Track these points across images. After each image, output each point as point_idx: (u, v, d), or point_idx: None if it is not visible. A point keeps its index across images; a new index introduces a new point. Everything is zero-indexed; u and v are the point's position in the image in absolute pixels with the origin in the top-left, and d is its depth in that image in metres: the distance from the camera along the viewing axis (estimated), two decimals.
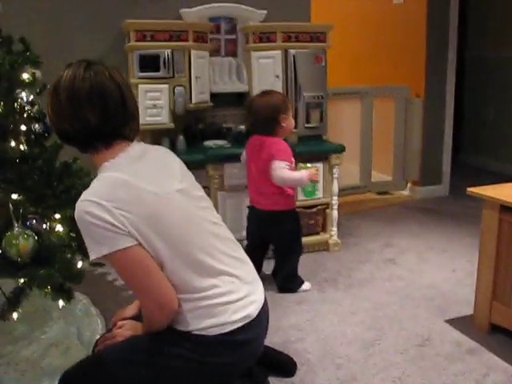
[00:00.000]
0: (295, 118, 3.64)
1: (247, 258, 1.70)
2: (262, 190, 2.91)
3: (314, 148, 3.58)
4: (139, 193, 1.45)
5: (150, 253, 1.45)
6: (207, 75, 3.52)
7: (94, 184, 1.47)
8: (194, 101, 3.41)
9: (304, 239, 3.65)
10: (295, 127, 3.65)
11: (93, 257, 1.42)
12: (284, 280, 3.08)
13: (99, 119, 1.48)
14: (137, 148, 1.56)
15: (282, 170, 2.79)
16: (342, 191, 4.60)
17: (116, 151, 1.52)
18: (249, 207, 3.03)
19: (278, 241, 3.04)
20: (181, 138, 3.48)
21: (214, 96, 3.62)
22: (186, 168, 1.69)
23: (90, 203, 1.40)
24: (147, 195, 1.46)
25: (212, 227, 1.60)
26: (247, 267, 1.68)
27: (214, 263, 1.55)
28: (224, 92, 3.68)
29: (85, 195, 1.43)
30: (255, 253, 2.99)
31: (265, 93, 2.89)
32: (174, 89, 3.34)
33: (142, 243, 1.44)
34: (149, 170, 1.52)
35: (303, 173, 2.87)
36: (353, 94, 4.74)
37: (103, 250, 1.40)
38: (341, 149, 3.61)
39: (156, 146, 1.68)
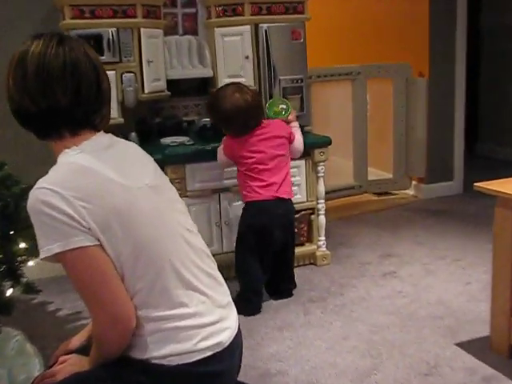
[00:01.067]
0: None
1: (222, 278, 1.74)
2: (282, 176, 3.19)
3: None
4: (104, 182, 1.48)
5: (111, 256, 1.48)
6: (162, 58, 3.57)
7: (52, 170, 1.50)
8: (146, 90, 3.46)
9: None
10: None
11: (42, 256, 1.45)
12: (293, 280, 3.40)
13: (70, 101, 1.51)
14: (104, 137, 1.61)
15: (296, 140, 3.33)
16: (332, 193, 4.69)
17: (81, 140, 1.56)
18: (264, 203, 3.13)
19: (293, 237, 3.34)
20: (133, 135, 3.53)
21: (171, 83, 3.68)
22: (159, 169, 1.75)
23: (46, 191, 1.43)
24: (114, 186, 1.49)
25: (186, 234, 1.64)
26: (222, 288, 1.70)
27: (186, 275, 1.58)
28: (184, 78, 3.74)
29: (40, 182, 1.46)
30: (282, 262, 3.34)
31: (236, 88, 3.12)
32: (121, 76, 3.39)
33: (103, 243, 1.46)
34: (117, 160, 1.57)
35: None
36: (341, 75, 4.82)
37: (55, 247, 1.42)
38: (326, 142, 3.68)
39: (126, 141, 1.73)
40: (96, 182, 1.49)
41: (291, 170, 3.48)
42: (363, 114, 4.94)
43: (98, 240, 1.46)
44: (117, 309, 1.48)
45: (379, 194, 5.25)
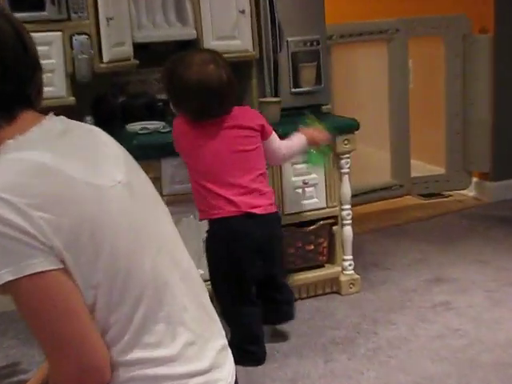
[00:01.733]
0: (275, 79, 3.75)
1: (215, 312, 1.74)
2: (253, 184, 3.09)
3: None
4: (67, 183, 1.47)
5: (79, 282, 1.47)
6: (127, 15, 3.57)
7: None
8: (105, 58, 3.46)
9: (299, 277, 3.79)
10: (275, 94, 3.77)
11: None
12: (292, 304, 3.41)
13: None
14: (54, 121, 1.61)
15: (282, 141, 3.27)
16: (362, 195, 4.70)
17: (24, 125, 1.56)
18: (230, 223, 3.08)
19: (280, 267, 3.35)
20: (88, 119, 3.55)
21: (140, 49, 3.70)
22: (132, 159, 1.75)
23: None
24: (80, 187, 1.48)
25: (173, 250, 1.67)
26: (215, 326, 1.71)
27: (171, 305, 1.60)
28: (156, 41, 3.75)
29: None
30: (267, 294, 3.31)
31: (211, 57, 3.06)
32: (70, 39, 3.41)
33: (69, 265, 1.44)
34: (78, 151, 1.56)
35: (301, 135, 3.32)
36: (373, 33, 4.83)
37: (5, 274, 1.40)
38: (351, 126, 3.71)
39: (83, 123, 1.73)
40: (56, 183, 1.47)
41: (304, 167, 3.58)
42: (403, 86, 4.94)
43: (62, 261, 1.45)
44: (87, 356, 1.48)
45: (427, 197, 5.26)
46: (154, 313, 1.56)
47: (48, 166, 1.48)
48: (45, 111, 3.35)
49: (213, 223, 3.14)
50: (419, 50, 5.02)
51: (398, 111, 4.98)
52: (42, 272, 1.41)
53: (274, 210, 3.17)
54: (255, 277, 3.17)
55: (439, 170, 5.26)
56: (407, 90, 4.98)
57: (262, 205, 3.09)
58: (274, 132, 3.23)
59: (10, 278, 1.40)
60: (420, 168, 5.22)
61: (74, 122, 1.68)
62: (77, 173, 1.50)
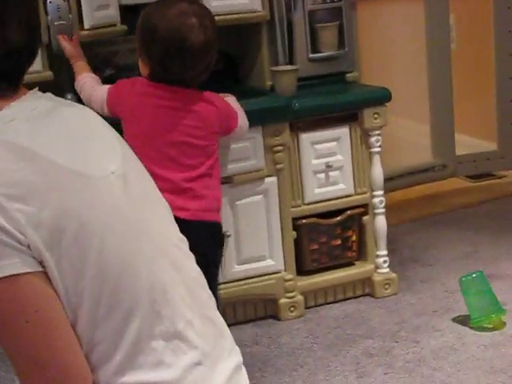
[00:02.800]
0: (289, 43, 3.73)
1: (225, 325, 1.73)
2: (187, 183, 3.05)
3: (329, 99, 3.66)
4: (53, 171, 1.46)
5: (59, 289, 1.45)
6: None
7: None
8: (87, 24, 3.46)
9: (324, 277, 3.79)
10: (290, 61, 3.74)
11: None
12: None
13: None
14: (40, 97, 1.59)
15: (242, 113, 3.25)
16: (398, 179, 4.68)
17: (2, 101, 1.54)
18: None
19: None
20: (69, 97, 3.53)
21: (128, 12, 3.68)
22: (127, 144, 1.73)
23: None
24: (67, 176, 1.47)
25: (174, 253, 1.67)
26: (225, 342, 1.71)
27: (171, 320, 1.58)
28: (148, 3, 3.73)
29: None
30: None
31: (197, 9, 3.05)
32: (45, 2, 3.39)
33: (49, 268, 1.41)
34: (66, 135, 1.55)
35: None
36: None
37: None
38: (382, 96, 3.70)
39: (75, 103, 1.72)
40: (40, 170, 1.45)
41: (326, 146, 3.56)
42: (444, 47, 4.90)
43: (41, 263, 1.43)
44: (65, 372, 1.47)
45: (476, 178, 5.24)
46: (151, 328, 1.55)
47: (29, 150, 1.46)
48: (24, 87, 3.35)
49: None
50: (462, 3, 4.97)
51: (439, 77, 4.93)
52: (16, 275, 1.39)
53: (208, 218, 3.08)
54: None
55: (490, 145, 5.22)
56: (449, 52, 4.93)
57: (190, 208, 3.04)
58: (238, 120, 3.20)
59: None
60: (467, 144, 5.18)
61: (65, 100, 1.66)
62: (61, 158, 1.48)
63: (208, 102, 3.08)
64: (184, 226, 2.93)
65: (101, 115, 1.80)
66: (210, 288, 2.94)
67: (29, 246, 1.40)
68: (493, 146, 5.22)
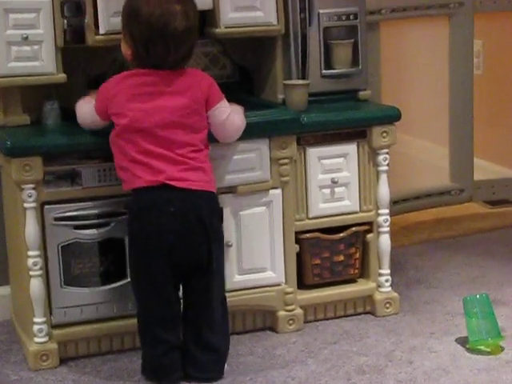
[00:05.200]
0: (302, 58, 3.74)
1: None
2: (183, 153, 3.12)
3: (339, 115, 3.66)
4: None
5: None
6: None
7: None
8: (103, 28, 3.46)
9: (325, 293, 3.78)
10: (303, 76, 3.76)
11: None
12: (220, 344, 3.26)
13: None
14: None
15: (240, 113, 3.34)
16: (414, 200, 4.66)
17: None
18: (146, 194, 3.12)
19: (208, 257, 3.18)
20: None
21: None
22: None
23: None
24: None
25: None
26: None
27: None
28: None
29: None
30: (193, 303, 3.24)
31: None
32: (62, 5, 3.44)
33: None
34: None
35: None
36: (433, 7, 4.76)
37: None
38: (391, 115, 3.69)
39: None
40: None
41: (334, 162, 3.62)
42: (468, 71, 4.85)
43: None
44: None
45: (493, 204, 5.20)
46: None
47: None
48: (30, 91, 3.43)
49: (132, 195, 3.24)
50: (488, 28, 4.95)
51: (461, 101, 4.88)
52: None
53: (207, 188, 3.18)
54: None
55: (509, 172, 5.17)
56: (472, 76, 4.89)
57: (189, 179, 3.11)
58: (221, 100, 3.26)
59: None
60: (485, 169, 5.15)
61: None
62: None
63: (192, 75, 3.21)
64: (185, 195, 3.02)
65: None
66: (216, 263, 3.17)
67: None
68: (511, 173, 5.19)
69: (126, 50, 3.20)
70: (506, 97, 5.11)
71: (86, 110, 3.30)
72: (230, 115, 3.26)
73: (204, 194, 3.12)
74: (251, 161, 3.53)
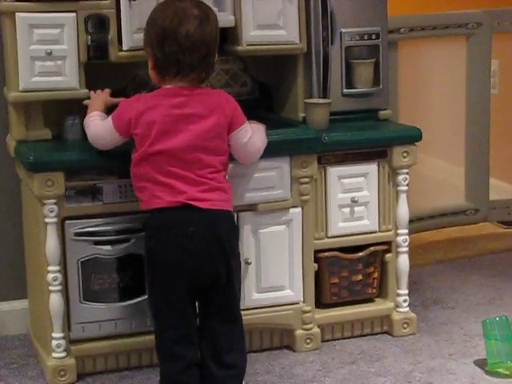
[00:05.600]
0: (324, 77, 3.73)
1: None
2: (204, 174, 3.11)
3: (360, 135, 3.66)
4: None
5: None
6: None
7: None
8: (126, 45, 3.47)
9: (343, 312, 3.77)
10: (324, 94, 3.76)
11: None
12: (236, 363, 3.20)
13: None
14: None
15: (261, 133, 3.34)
16: (429, 219, 4.65)
17: None
18: (165, 214, 3.10)
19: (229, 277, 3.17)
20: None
21: None
22: None
23: None
24: None
25: None
26: None
27: None
28: None
29: None
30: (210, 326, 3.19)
31: (191, 4, 3.11)
32: (86, 21, 3.44)
33: None
34: None
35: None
36: (451, 27, 4.76)
37: None
38: (412, 136, 3.68)
39: None
40: None
41: (354, 181, 3.64)
42: (485, 91, 4.84)
43: None
44: None
45: (508, 224, 5.19)
46: None
47: None
48: (53, 106, 3.43)
49: (149, 216, 3.21)
50: (506, 49, 4.95)
51: (477, 121, 4.88)
52: None
53: (225, 207, 3.16)
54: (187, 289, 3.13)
55: None
56: (489, 96, 4.88)
57: (209, 199, 3.09)
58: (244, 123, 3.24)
59: None
60: (501, 189, 5.14)
61: None
62: None
63: (216, 97, 3.18)
64: (205, 214, 2.99)
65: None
66: (234, 280, 3.16)
67: None
68: None
69: (150, 68, 3.17)
70: None
71: (102, 127, 3.26)
72: (251, 138, 3.24)
73: (222, 214, 3.10)
74: (272, 179, 3.53)
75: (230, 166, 3.27)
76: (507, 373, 3.41)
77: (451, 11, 4.96)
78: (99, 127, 3.26)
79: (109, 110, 3.32)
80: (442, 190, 4.82)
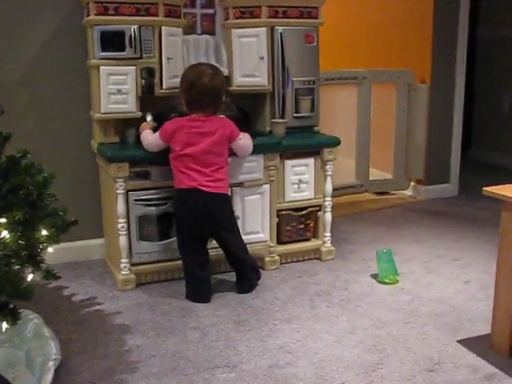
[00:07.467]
0: (282, 106, 3.62)
1: None
2: (210, 170, 3.10)
3: (304, 141, 3.56)
4: None
5: None
6: (180, 56, 3.47)
7: None
8: (165, 86, 3.36)
9: (293, 246, 3.67)
10: (282, 116, 3.63)
11: None
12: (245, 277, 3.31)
13: None
14: None
15: (249, 138, 3.30)
16: (336, 191, 4.58)
17: None
18: (184, 192, 3.09)
19: (223, 226, 3.23)
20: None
21: None
22: None
23: None
24: None
25: None
26: None
27: None
28: None
29: None
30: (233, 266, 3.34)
31: (207, 66, 3.15)
32: (141, 71, 3.30)
33: None
34: None
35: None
36: (349, 78, 4.71)
37: None
38: (335, 142, 3.60)
39: None
40: None
41: (300, 169, 3.54)
42: (367, 116, 4.84)
43: None
44: None
45: (379, 194, 5.15)
46: None
47: None
48: (120, 123, 3.23)
49: (176, 191, 3.17)
50: (379, 93, 4.92)
51: (363, 134, 4.88)
52: None
53: (223, 191, 3.14)
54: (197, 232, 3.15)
55: (388, 175, 5.14)
56: (369, 119, 4.88)
57: (213, 186, 3.08)
58: (239, 135, 3.20)
59: None
60: (375, 173, 5.12)
61: None
62: None
63: (220, 122, 3.15)
64: (208, 195, 3.01)
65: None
66: (233, 232, 3.22)
67: None
68: (390, 176, 5.16)
69: (183, 102, 3.16)
70: (386, 132, 5.04)
71: (153, 138, 3.19)
72: (245, 143, 3.25)
73: (219, 195, 3.11)
74: (253, 167, 3.43)
75: (230, 159, 3.21)
76: (390, 282, 3.37)
77: (349, 69, 4.91)
78: (151, 139, 3.20)
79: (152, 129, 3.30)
80: (344, 173, 4.77)
